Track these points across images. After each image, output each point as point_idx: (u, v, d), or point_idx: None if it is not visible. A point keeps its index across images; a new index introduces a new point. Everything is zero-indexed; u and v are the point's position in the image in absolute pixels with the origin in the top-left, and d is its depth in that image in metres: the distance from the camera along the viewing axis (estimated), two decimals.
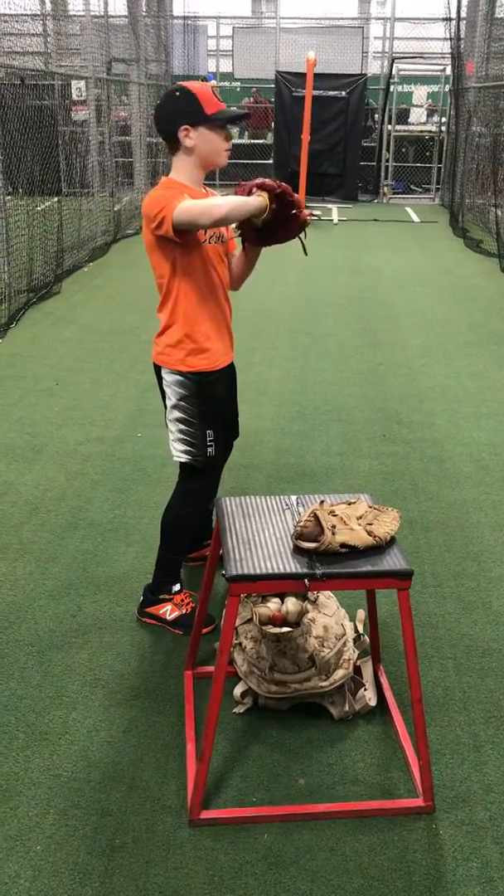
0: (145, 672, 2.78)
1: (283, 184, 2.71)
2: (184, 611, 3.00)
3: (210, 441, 2.89)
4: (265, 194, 2.64)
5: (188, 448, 2.89)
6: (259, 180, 2.70)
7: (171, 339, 2.84)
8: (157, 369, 2.94)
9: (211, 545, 2.56)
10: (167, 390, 2.89)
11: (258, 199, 2.61)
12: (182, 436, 2.88)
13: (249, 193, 2.67)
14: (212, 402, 2.90)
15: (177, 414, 2.88)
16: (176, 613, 3.01)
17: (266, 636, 2.57)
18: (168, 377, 2.88)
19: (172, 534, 3.02)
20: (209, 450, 2.89)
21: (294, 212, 2.79)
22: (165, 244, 2.68)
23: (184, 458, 2.91)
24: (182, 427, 2.88)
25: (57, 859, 2.10)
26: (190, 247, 2.70)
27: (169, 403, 2.90)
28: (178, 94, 2.71)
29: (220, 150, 2.76)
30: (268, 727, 2.55)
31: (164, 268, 2.76)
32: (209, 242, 2.78)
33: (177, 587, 3.05)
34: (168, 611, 3.02)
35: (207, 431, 2.88)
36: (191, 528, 3.06)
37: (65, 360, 6.02)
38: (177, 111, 2.69)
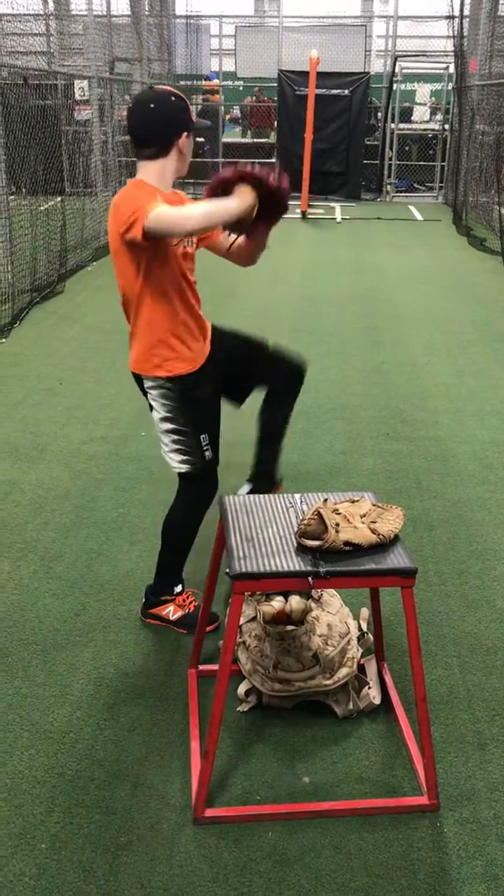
0: (149, 671, 2.78)
1: (258, 168, 2.54)
2: (187, 610, 3.00)
3: (206, 445, 2.85)
4: (249, 188, 2.47)
5: (185, 458, 2.85)
6: (232, 171, 2.49)
7: (145, 345, 2.77)
8: (138, 379, 2.88)
9: (215, 543, 2.57)
10: (153, 403, 2.84)
11: (243, 200, 2.45)
12: (177, 446, 2.84)
13: (222, 189, 2.50)
14: (199, 404, 2.85)
15: (167, 426, 2.83)
16: (179, 613, 3.01)
17: (270, 634, 2.57)
18: (151, 387, 2.82)
19: (175, 538, 3.00)
20: (206, 454, 2.86)
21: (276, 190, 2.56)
22: (133, 248, 2.58)
23: (183, 468, 2.87)
24: (175, 437, 2.83)
25: (62, 857, 2.10)
26: (159, 251, 2.61)
27: (157, 416, 2.85)
28: (173, 98, 2.64)
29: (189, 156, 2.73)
30: (272, 725, 2.55)
31: (130, 272, 2.67)
32: (183, 246, 2.69)
33: (178, 588, 3.03)
34: (171, 611, 3.01)
35: (201, 437, 2.83)
36: (193, 531, 3.02)
37: (68, 360, 6.02)
38: (177, 116, 2.64)
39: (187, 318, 2.80)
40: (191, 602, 3.02)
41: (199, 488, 2.95)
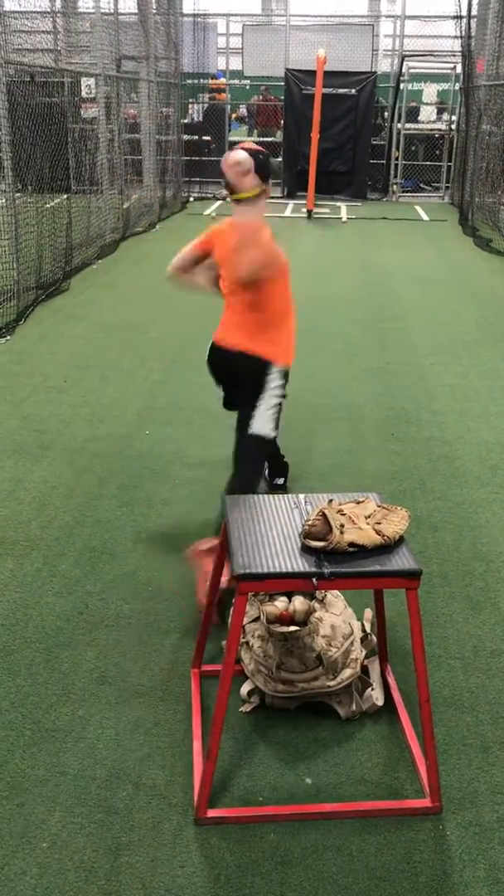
0: (152, 670, 2.77)
1: None
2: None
3: None
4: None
5: (275, 424, 3.30)
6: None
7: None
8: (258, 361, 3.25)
9: (220, 543, 2.56)
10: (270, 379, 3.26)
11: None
12: (276, 414, 3.28)
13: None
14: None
15: (276, 400, 3.27)
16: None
17: (273, 635, 2.57)
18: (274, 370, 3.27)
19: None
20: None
21: None
22: None
23: (273, 434, 3.30)
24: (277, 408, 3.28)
25: (63, 857, 2.10)
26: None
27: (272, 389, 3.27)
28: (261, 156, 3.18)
29: None
30: (275, 726, 2.55)
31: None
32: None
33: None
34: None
35: None
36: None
37: (73, 358, 6.02)
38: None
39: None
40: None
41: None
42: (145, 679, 2.73)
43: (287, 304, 3.30)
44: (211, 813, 2.21)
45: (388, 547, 2.24)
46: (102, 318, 7.13)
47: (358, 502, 2.41)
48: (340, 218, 13.40)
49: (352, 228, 12.50)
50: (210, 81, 17.00)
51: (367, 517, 2.32)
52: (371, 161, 15.56)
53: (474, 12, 13.05)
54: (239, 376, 3.34)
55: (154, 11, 12.67)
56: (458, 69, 14.52)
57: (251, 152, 3.11)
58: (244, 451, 3.37)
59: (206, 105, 16.98)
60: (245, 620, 2.71)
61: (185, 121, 15.99)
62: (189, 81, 15.77)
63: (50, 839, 2.15)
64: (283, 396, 3.32)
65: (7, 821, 2.19)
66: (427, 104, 16.87)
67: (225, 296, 3.32)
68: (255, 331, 3.25)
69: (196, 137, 16.00)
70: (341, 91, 14.62)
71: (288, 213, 14.02)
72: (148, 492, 3.99)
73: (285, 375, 3.31)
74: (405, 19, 15.72)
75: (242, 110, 19.26)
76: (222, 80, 17.26)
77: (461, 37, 13.16)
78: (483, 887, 2.05)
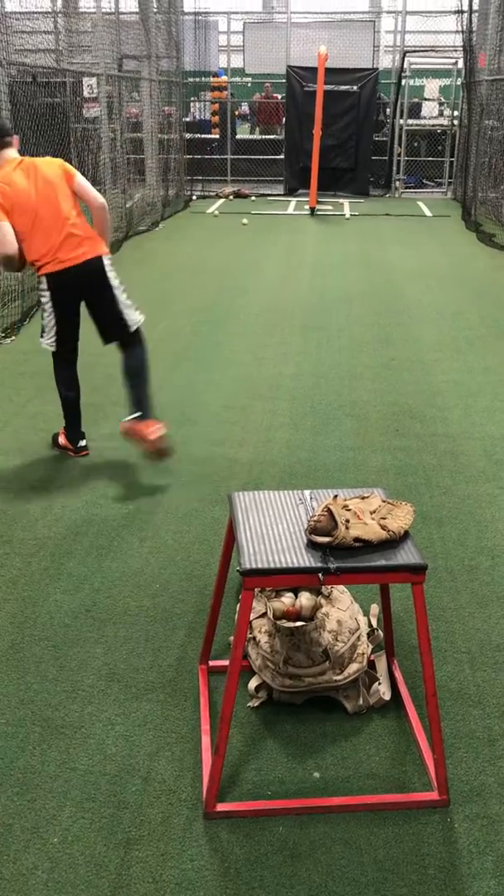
0: (160, 666, 2.79)
1: None
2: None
3: None
4: None
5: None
6: None
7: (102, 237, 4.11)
8: (99, 261, 4.03)
9: (225, 539, 2.57)
10: (110, 274, 4.08)
11: None
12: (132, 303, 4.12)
13: None
14: None
15: (121, 286, 4.12)
16: (156, 431, 4.01)
17: (280, 630, 2.58)
18: (110, 264, 4.08)
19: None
20: None
21: None
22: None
23: (141, 317, 4.17)
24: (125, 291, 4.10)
25: (74, 851, 2.12)
26: None
27: (115, 283, 4.08)
28: (8, 122, 4.03)
29: None
30: (282, 721, 2.56)
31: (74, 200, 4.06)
32: None
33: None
34: (155, 429, 4.00)
35: None
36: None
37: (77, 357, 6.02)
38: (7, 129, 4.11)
39: None
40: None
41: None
42: (153, 675, 2.75)
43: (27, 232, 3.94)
44: (220, 807, 2.23)
45: (393, 542, 2.25)
46: None
47: (363, 498, 2.42)
48: (343, 214, 13.39)
49: (355, 225, 12.50)
50: (212, 79, 17.01)
51: (372, 512, 2.33)
52: (373, 157, 15.56)
53: (475, 7, 13.03)
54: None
55: (155, 10, 12.68)
56: (460, 64, 14.50)
57: None
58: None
59: (213, 104, 16.99)
60: (252, 616, 2.72)
61: (187, 119, 16.00)
62: (191, 80, 15.78)
63: (61, 834, 2.16)
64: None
65: (18, 816, 2.21)
66: (429, 100, 16.85)
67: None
68: None
69: (200, 136, 16.02)
70: (343, 88, 14.61)
71: (291, 210, 14.01)
72: (154, 490, 4.01)
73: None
74: (406, 15, 15.70)
75: (244, 108, 19.26)
76: (224, 77, 17.26)
77: (462, 32, 13.14)
78: (491, 879, 2.06)
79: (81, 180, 4.04)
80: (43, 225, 3.90)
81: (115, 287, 4.09)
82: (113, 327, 4.14)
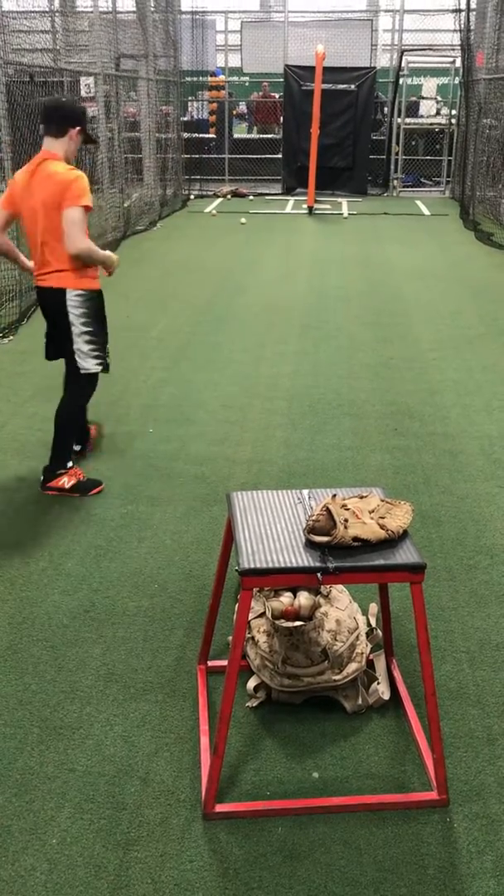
0: (158, 666, 2.79)
1: None
2: (77, 479, 3.90)
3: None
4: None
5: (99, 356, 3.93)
6: None
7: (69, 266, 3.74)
8: (60, 294, 3.77)
9: (223, 539, 2.57)
10: (72, 312, 3.78)
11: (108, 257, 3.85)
12: (93, 346, 3.88)
13: None
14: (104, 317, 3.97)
15: (85, 329, 3.83)
16: (73, 481, 3.89)
17: (279, 630, 2.57)
18: (77, 300, 3.79)
19: (71, 425, 4.02)
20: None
21: None
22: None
23: (97, 368, 3.93)
24: (93, 339, 3.87)
25: (72, 853, 2.11)
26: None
27: (77, 324, 3.81)
28: (81, 105, 3.73)
29: (75, 154, 3.89)
30: (281, 721, 2.56)
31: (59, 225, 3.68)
32: None
33: (70, 463, 3.95)
34: (65, 482, 3.89)
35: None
36: (81, 420, 4.18)
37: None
38: (79, 116, 3.80)
39: None
40: (80, 473, 3.94)
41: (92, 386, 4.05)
42: (152, 675, 2.74)
43: None
44: (219, 808, 2.22)
45: (392, 541, 2.25)
46: None
47: (362, 497, 2.42)
48: (341, 214, 13.39)
49: (353, 224, 12.49)
50: (209, 79, 17.00)
51: (370, 512, 2.32)
52: (371, 156, 15.55)
53: (473, 5, 13.03)
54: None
55: (152, 9, 12.66)
56: (458, 63, 14.50)
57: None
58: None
59: (210, 103, 16.98)
60: (250, 616, 2.72)
61: (185, 118, 15.99)
62: (188, 79, 15.77)
63: (59, 835, 2.16)
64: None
65: (17, 818, 2.21)
66: (427, 98, 16.85)
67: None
68: None
69: (198, 135, 16.01)
70: (341, 87, 14.61)
71: (289, 209, 14.01)
72: (151, 489, 4.00)
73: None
74: (404, 13, 15.70)
75: (242, 107, 19.26)
76: (221, 77, 17.25)
77: (460, 30, 13.14)
78: (490, 879, 2.06)
79: (68, 218, 3.60)
80: (28, 234, 3.86)
81: (76, 328, 3.80)
82: (63, 353, 3.95)
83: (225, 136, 16.51)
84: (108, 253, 3.87)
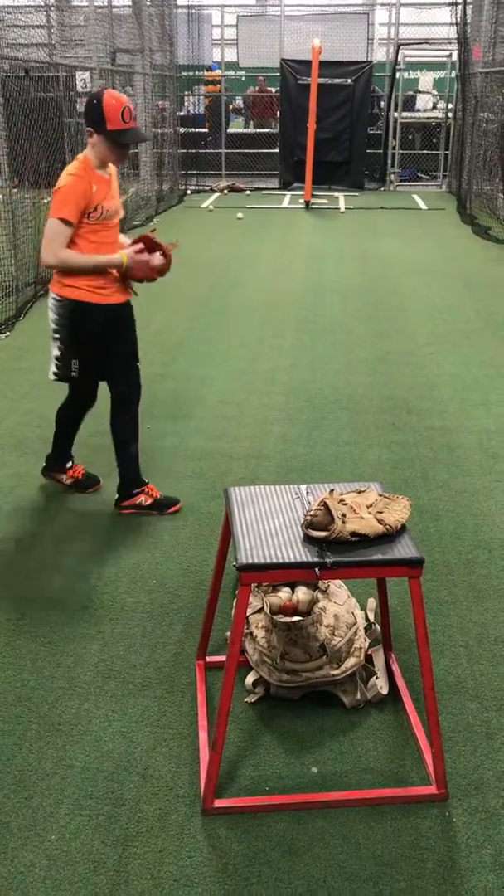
0: (157, 662, 2.78)
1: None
2: (154, 497, 3.73)
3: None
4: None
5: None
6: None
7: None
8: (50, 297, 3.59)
9: (221, 534, 2.57)
10: (49, 315, 3.60)
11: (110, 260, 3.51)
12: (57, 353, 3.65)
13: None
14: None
15: (54, 335, 3.63)
16: (150, 500, 3.72)
17: (277, 625, 2.57)
18: (53, 304, 3.58)
19: (125, 439, 3.78)
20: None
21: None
22: None
23: (51, 376, 3.71)
24: (60, 347, 3.63)
25: (71, 848, 2.11)
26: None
27: (51, 328, 3.61)
28: (94, 101, 3.30)
29: (110, 158, 3.45)
30: (280, 716, 2.56)
31: None
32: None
33: (145, 479, 3.77)
34: (143, 500, 3.72)
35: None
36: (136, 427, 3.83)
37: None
38: (89, 114, 3.34)
39: None
40: (156, 492, 3.76)
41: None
42: (150, 671, 2.74)
43: None
44: (218, 803, 2.22)
45: (390, 536, 2.25)
46: None
47: (359, 492, 2.41)
48: (338, 208, 13.37)
49: (350, 218, 12.47)
50: (205, 73, 16.96)
51: (368, 506, 2.32)
52: (368, 150, 15.53)
53: None
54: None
55: (148, 4, 12.62)
56: (455, 57, 14.47)
57: None
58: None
59: (202, 97, 16.93)
60: (249, 611, 2.72)
61: (181, 113, 15.95)
62: (184, 73, 15.73)
63: (58, 831, 2.16)
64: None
65: (15, 814, 2.21)
66: (424, 92, 16.83)
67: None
68: None
69: (194, 130, 15.97)
70: (337, 81, 14.58)
71: (285, 204, 13.98)
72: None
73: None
74: (400, 7, 15.65)
75: (238, 102, 19.21)
76: (217, 71, 17.21)
77: (457, 24, 13.11)
78: (489, 872, 2.06)
79: (45, 227, 3.42)
80: None
81: (50, 330, 3.63)
82: (105, 371, 3.81)
83: (222, 132, 16.45)
84: (105, 258, 3.48)
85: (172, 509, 3.73)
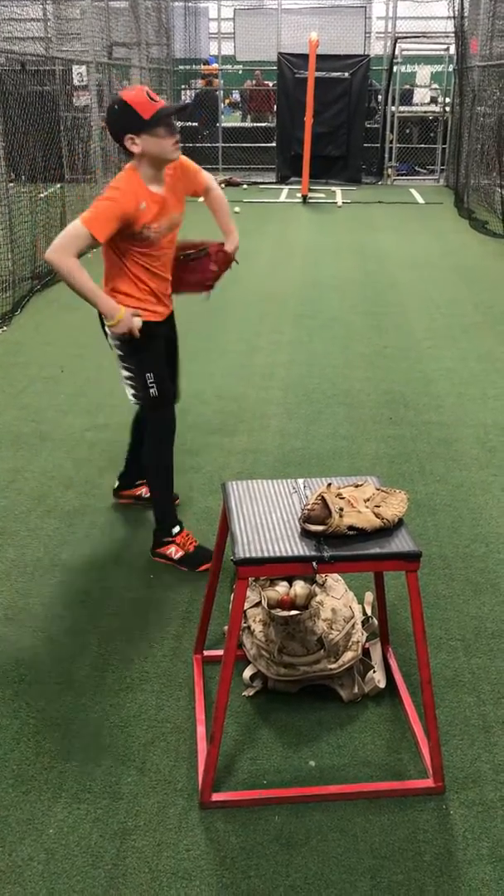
0: (155, 656, 2.79)
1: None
2: (187, 550, 3.31)
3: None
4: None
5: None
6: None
7: None
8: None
9: (219, 529, 2.57)
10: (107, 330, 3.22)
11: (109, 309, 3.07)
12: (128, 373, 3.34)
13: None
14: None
15: (118, 352, 3.35)
16: (180, 553, 3.32)
17: (275, 619, 2.57)
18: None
19: (159, 475, 3.38)
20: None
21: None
22: None
23: (130, 399, 3.36)
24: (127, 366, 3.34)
25: (69, 842, 2.11)
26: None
27: (112, 343, 3.31)
28: (116, 107, 2.93)
29: (166, 148, 2.97)
30: (277, 710, 2.56)
31: None
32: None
33: (176, 528, 3.35)
34: (173, 551, 3.32)
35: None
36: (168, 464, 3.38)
37: (69, 347, 6.01)
38: (119, 123, 2.93)
39: None
40: (190, 543, 3.33)
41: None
42: (148, 665, 2.74)
43: None
44: (215, 797, 2.23)
45: (387, 530, 2.25)
46: None
47: (357, 486, 2.41)
48: (336, 202, 13.35)
49: (347, 213, 12.46)
50: (202, 67, 16.90)
51: (366, 500, 2.32)
52: (365, 145, 15.49)
53: None
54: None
55: None
56: (452, 50, 14.43)
57: None
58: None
59: (197, 91, 16.87)
60: (246, 605, 2.72)
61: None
62: (181, 67, 15.68)
63: (56, 825, 2.16)
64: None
65: (14, 808, 2.21)
66: (421, 86, 16.79)
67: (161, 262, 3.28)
68: None
69: (191, 124, 15.90)
70: (334, 74, 14.54)
71: (283, 198, 13.96)
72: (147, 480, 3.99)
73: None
74: (398, 1, 15.61)
75: (235, 96, 19.17)
76: (214, 65, 17.16)
77: (454, 17, 13.07)
78: (486, 865, 2.07)
79: (74, 223, 2.95)
80: None
81: (114, 351, 3.33)
82: None
83: (219, 128, 16.39)
84: (102, 302, 3.04)
85: (204, 567, 3.22)
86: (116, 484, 3.78)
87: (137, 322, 3.13)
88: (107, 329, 3.17)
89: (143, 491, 3.72)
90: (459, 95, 13.37)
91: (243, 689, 2.62)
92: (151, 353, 3.29)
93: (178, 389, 3.60)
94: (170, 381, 3.41)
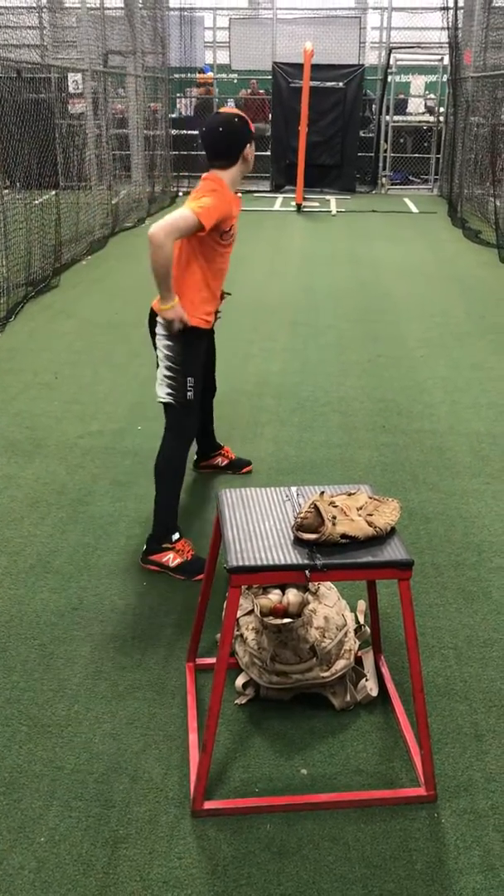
0: (147, 664, 2.78)
1: None
2: (185, 558, 3.27)
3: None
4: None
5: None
6: None
7: None
8: (152, 313, 3.38)
9: (212, 536, 2.57)
10: (158, 332, 3.37)
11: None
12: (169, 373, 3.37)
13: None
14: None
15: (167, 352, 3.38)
16: (178, 560, 3.27)
17: (267, 627, 2.58)
18: (160, 323, 3.34)
19: (168, 478, 3.38)
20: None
21: None
22: None
23: (166, 398, 3.38)
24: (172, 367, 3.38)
25: (60, 850, 2.11)
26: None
27: (160, 345, 3.38)
28: (236, 120, 3.24)
29: (251, 164, 3.34)
30: (269, 718, 2.56)
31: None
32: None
33: (176, 535, 3.32)
34: (170, 558, 3.28)
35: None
36: (180, 470, 3.41)
37: (64, 354, 6.01)
38: (241, 133, 3.23)
39: None
40: (188, 550, 3.30)
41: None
42: (140, 673, 2.74)
43: None
44: (207, 805, 2.23)
45: (380, 538, 2.26)
46: (93, 313, 7.12)
47: (350, 494, 2.42)
48: (330, 211, 13.39)
49: (341, 221, 12.50)
50: (197, 76, 16.95)
51: (358, 509, 2.33)
52: (360, 154, 15.55)
53: (461, 3, 13.05)
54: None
55: (140, 6, 12.62)
56: (446, 61, 14.52)
57: None
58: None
59: (193, 100, 16.92)
60: (239, 613, 2.72)
61: (173, 115, 15.96)
62: (176, 76, 15.73)
63: (47, 833, 2.16)
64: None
65: (4, 816, 2.20)
66: (415, 96, 16.87)
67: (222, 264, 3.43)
68: None
69: (186, 132, 15.95)
70: (329, 84, 14.60)
71: (277, 206, 14.00)
72: (141, 487, 3.99)
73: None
74: (392, 11, 15.70)
75: (230, 104, 19.23)
76: (210, 74, 17.21)
77: (448, 28, 13.16)
78: (478, 874, 2.07)
79: (183, 210, 3.08)
80: None
81: (160, 351, 3.37)
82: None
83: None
84: (165, 289, 3.16)
85: (201, 577, 3.07)
86: (195, 458, 4.03)
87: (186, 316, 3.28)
88: (158, 328, 3.32)
89: (220, 460, 4.09)
90: (453, 106, 13.44)
91: (236, 697, 2.62)
92: (197, 359, 3.45)
93: (215, 386, 3.98)
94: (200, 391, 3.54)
